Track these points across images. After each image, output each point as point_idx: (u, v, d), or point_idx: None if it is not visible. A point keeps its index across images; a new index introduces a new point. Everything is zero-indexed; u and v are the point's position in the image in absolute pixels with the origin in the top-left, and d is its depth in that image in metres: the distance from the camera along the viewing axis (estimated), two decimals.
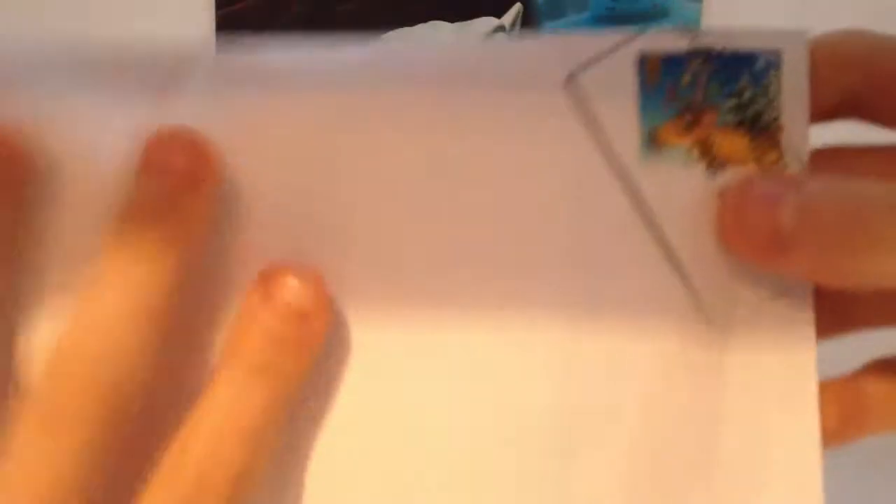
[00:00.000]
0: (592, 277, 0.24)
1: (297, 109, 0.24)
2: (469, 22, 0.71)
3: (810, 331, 0.24)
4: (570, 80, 0.24)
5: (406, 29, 0.70)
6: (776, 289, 0.24)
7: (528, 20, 0.72)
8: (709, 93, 0.24)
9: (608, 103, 0.24)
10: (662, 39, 0.24)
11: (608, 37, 0.25)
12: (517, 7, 0.71)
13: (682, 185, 0.24)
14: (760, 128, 0.24)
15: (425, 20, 0.70)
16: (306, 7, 0.68)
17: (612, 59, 0.24)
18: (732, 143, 0.24)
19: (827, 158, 0.26)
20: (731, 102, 0.24)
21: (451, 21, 0.71)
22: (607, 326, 0.24)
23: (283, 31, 0.68)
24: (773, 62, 0.24)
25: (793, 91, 0.24)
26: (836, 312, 0.26)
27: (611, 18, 0.73)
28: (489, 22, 0.71)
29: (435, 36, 0.70)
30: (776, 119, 0.24)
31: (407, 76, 0.24)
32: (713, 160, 0.24)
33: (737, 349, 0.25)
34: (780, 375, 0.24)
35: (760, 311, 0.25)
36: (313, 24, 0.69)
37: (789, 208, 0.23)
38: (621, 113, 0.24)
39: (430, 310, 0.24)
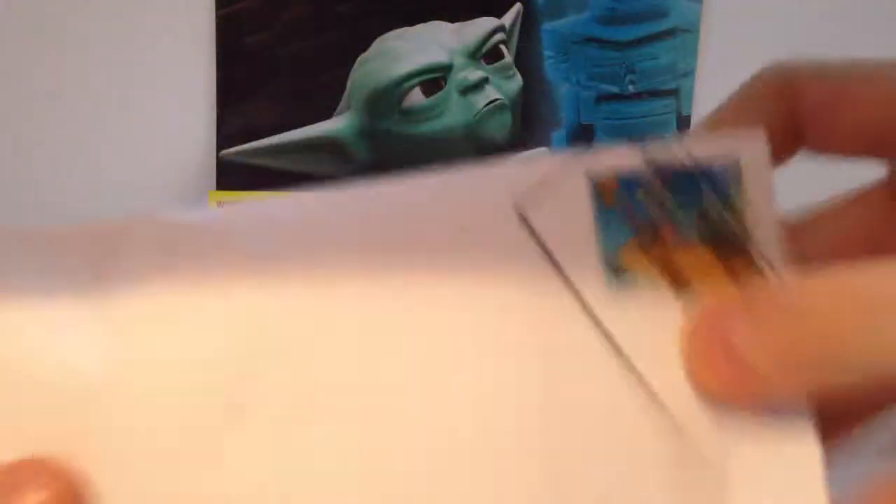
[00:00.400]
0: (566, 429, 0.22)
1: (227, 284, 0.22)
2: (469, 22, 0.71)
3: (815, 457, 0.22)
4: (521, 212, 0.23)
5: (406, 29, 0.70)
6: (771, 418, 0.22)
7: (528, 20, 0.72)
8: (668, 210, 0.23)
9: (564, 234, 0.23)
10: (613, 157, 0.23)
11: (554, 159, 0.23)
12: (517, 7, 0.72)
13: (652, 316, 0.23)
14: (726, 240, 0.23)
15: (425, 20, 0.70)
16: (306, 7, 0.68)
17: (564, 184, 0.23)
18: (696, 259, 0.23)
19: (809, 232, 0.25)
20: (692, 216, 0.23)
21: (451, 21, 0.71)
22: (587, 484, 0.22)
23: (282, 32, 0.68)
24: (732, 173, 0.23)
25: (758, 198, 0.23)
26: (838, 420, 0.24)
27: (611, 19, 0.73)
28: (489, 22, 0.71)
29: (435, 36, 0.70)
30: (744, 232, 0.23)
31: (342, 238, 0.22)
32: (677, 279, 0.23)
33: (737, 488, 0.22)
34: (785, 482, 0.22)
35: (754, 439, 0.22)
36: (313, 25, 0.69)
37: (740, 328, 0.21)
38: (579, 243, 0.23)
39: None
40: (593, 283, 0.23)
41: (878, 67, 0.23)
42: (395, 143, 0.71)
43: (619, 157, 0.23)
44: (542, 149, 0.74)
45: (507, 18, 0.72)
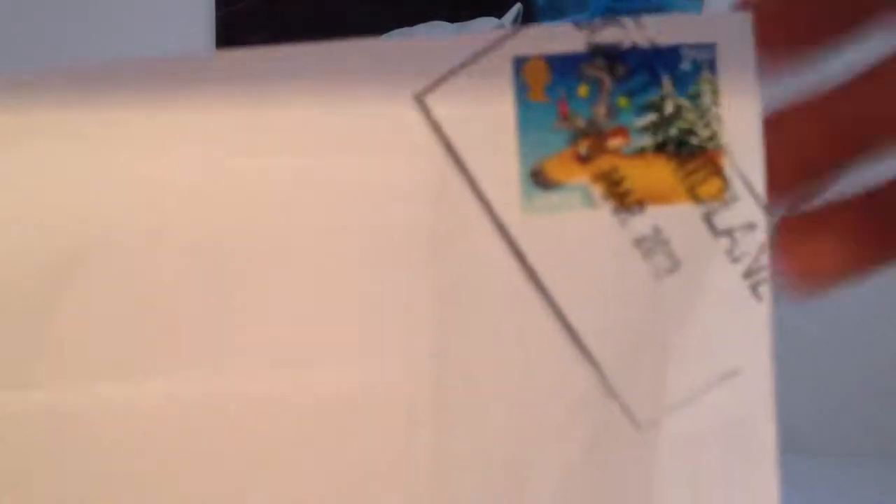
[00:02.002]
0: (466, 356, 0.19)
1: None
2: (469, 22, 0.71)
3: (771, 425, 0.19)
4: (421, 98, 0.18)
5: (406, 29, 0.70)
6: (722, 372, 0.19)
7: (528, 20, 0.72)
8: (615, 107, 0.18)
9: (473, 129, 0.18)
10: (549, 36, 0.18)
11: (474, 38, 0.18)
12: (517, 7, 0.71)
13: (580, 238, 0.18)
14: (691, 150, 0.18)
15: (425, 20, 0.70)
16: (306, 7, 0.68)
17: (479, 66, 0.18)
18: (651, 174, 0.18)
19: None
20: (648, 119, 0.18)
21: (452, 21, 0.71)
22: (485, 426, 0.19)
23: (282, 32, 0.68)
24: (704, 59, 0.18)
25: (735, 97, 0.18)
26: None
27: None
28: (489, 22, 0.71)
29: (434, 35, 0.70)
30: (713, 137, 0.18)
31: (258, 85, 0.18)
32: (624, 199, 0.18)
33: (669, 434, 0.19)
34: (729, 454, 0.19)
35: (701, 401, 0.19)
36: (314, 25, 0.69)
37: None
38: (493, 142, 0.18)
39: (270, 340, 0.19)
40: (509, 196, 0.18)
41: None
42: None
43: (557, 36, 0.18)
44: None
45: (508, 18, 0.72)
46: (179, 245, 0.18)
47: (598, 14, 0.72)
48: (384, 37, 0.64)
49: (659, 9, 0.73)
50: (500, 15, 0.71)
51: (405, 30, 0.70)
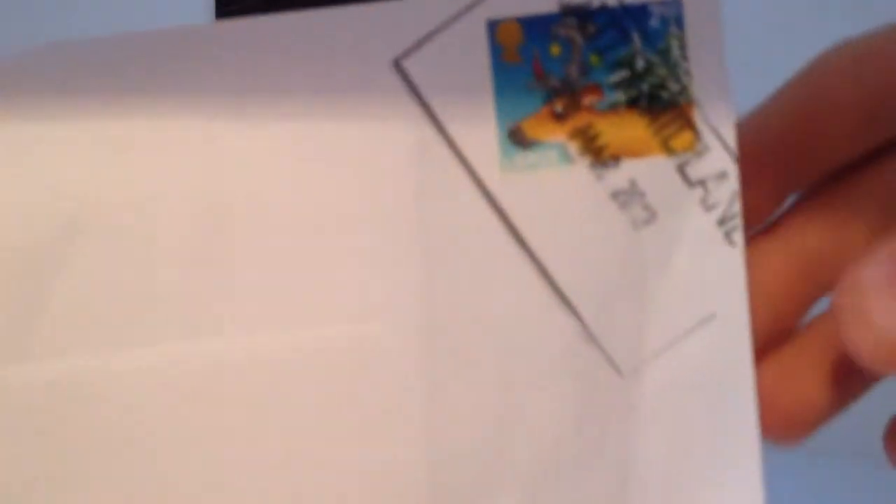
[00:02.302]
0: (452, 312, 0.19)
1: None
2: None
3: (748, 368, 0.19)
4: (398, 62, 0.18)
5: None
6: (698, 318, 0.19)
7: None
8: (588, 65, 0.19)
9: (451, 92, 0.18)
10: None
11: (445, 2, 0.18)
12: None
13: (559, 193, 0.19)
14: (663, 104, 0.19)
15: None
16: (306, 7, 0.68)
17: (453, 30, 0.18)
18: (625, 128, 0.19)
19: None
20: (619, 75, 0.19)
21: None
22: (479, 377, 0.19)
23: None
24: (671, 15, 0.19)
25: (702, 51, 0.19)
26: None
27: None
28: None
29: None
30: (683, 90, 0.19)
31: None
32: (600, 154, 0.19)
33: (650, 379, 0.20)
34: (709, 395, 0.20)
35: (679, 347, 0.19)
36: None
37: None
38: (470, 103, 0.18)
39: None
40: (488, 155, 0.19)
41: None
42: None
43: (527, 0, 0.18)
44: None
45: None
46: (175, 211, 0.18)
47: None
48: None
49: None
50: None
51: None
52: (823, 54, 0.20)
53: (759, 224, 0.21)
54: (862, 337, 0.18)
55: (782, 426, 0.20)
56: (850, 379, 0.20)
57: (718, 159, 0.19)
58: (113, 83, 0.18)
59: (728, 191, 0.19)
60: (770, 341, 0.20)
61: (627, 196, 0.19)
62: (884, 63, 0.20)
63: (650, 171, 0.19)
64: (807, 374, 0.20)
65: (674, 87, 0.19)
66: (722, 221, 0.19)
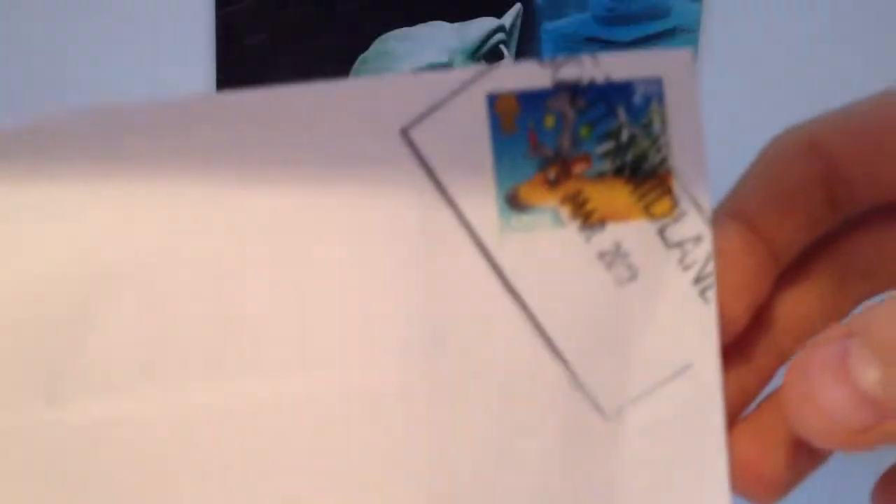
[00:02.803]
0: (451, 363, 0.21)
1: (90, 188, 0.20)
2: (469, 22, 0.71)
3: (719, 412, 0.21)
4: (405, 133, 0.20)
5: (406, 29, 0.70)
6: (675, 368, 0.21)
7: (528, 20, 0.72)
8: (578, 136, 0.20)
9: (454, 160, 0.20)
10: (518, 74, 0.20)
11: (449, 75, 0.20)
12: (517, 7, 0.72)
13: (551, 253, 0.20)
14: (645, 174, 0.20)
15: (425, 20, 0.70)
16: (306, 7, 0.68)
17: (456, 103, 0.20)
18: (611, 195, 0.20)
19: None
20: (606, 146, 0.20)
21: (451, 21, 0.71)
22: (475, 418, 0.21)
23: (282, 32, 0.68)
24: (653, 92, 0.20)
25: (681, 125, 0.20)
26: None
27: (611, 19, 0.73)
28: (489, 22, 0.71)
29: (435, 36, 0.70)
30: (663, 161, 0.20)
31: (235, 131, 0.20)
32: (588, 218, 0.20)
33: (631, 423, 0.21)
34: (684, 439, 0.21)
35: (657, 393, 0.21)
36: (313, 25, 0.69)
37: (863, 366, 0.18)
38: (472, 171, 0.20)
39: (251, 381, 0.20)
40: (487, 218, 0.20)
41: (888, 104, 0.21)
42: None
43: (524, 75, 0.20)
44: None
45: (507, 19, 0.72)
46: (195, 268, 0.20)
47: (598, 14, 0.72)
48: (384, 37, 0.64)
49: (659, 9, 0.73)
50: (499, 15, 0.71)
51: (405, 30, 0.70)
52: (775, 140, 0.22)
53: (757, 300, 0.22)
54: (809, 419, 0.19)
55: (757, 489, 0.21)
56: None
57: (695, 224, 0.21)
58: (134, 148, 0.20)
59: (703, 252, 0.21)
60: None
61: (612, 256, 0.21)
62: (828, 149, 0.21)
63: (633, 234, 0.21)
64: (781, 438, 0.21)
65: (655, 157, 0.21)
66: (697, 280, 0.21)
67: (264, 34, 0.68)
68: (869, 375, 0.18)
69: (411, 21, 0.70)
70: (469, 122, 0.20)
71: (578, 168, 0.20)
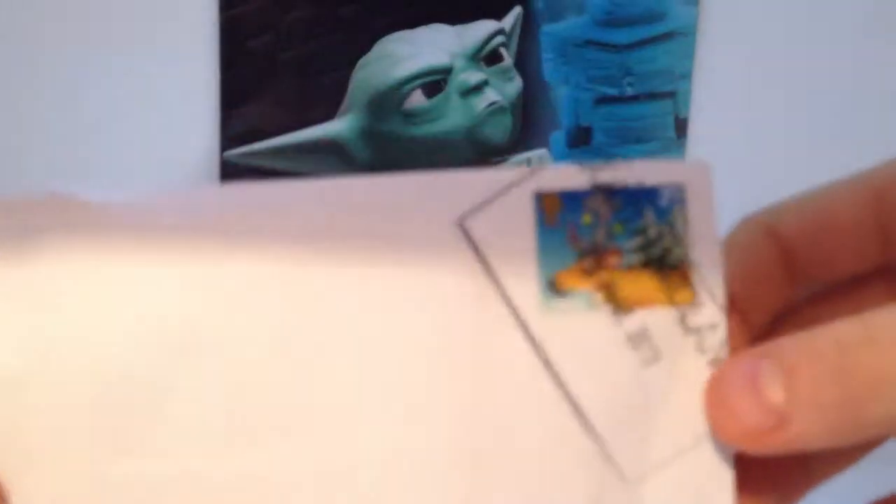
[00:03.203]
0: (493, 433, 0.23)
1: (162, 265, 0.22)
2: (469, 25, 0.71)
3: (728, 481, 0.23)
4: (462, 223, 0.23)
5: (407, 32, 0.70)
6: (691, 440, 0.23)
7: (528, 23, 0.72)
8: (612, 232, 0.23)
9: (504, 248, 0.23)
10: (560, 175, 0.23)
11: (501, 174, 0.23)
12: (517, 10, 0.72)
13: (585, 334, 0.23)
14: (669, 266, 0.23)
15: (426, 23, 0.70)
16: (308, 10, 0.68)
17: (507, 198, 0.23)
18: (639, 284, 0.23)
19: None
20: (636, 242, 0.23)
21: (452, 24, 0.71)
22: (511, 485, 0.23)
23: (285, 34, 0.68)
24: (676, 197, 0.23)
25: (700, 225, 0.23)
26: (795, 474, 0.25)
27: (609, 22, 0.73)
28: (489, 25, 0.71)
29: (435, 39, 0.71)
30: (685, 256, 0.23)
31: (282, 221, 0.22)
32: (619, 304, 0.23)
33: (651, 490, 0.23)
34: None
35: (675, 463, 0.23)
36: (315, 28, 0.69)
37: (771, 381, 0.21)
38: (518, 259, 0.23)
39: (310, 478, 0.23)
40: (530, 300, 0.23)
41: (831, 192, 0.25)
42: (396, 145, 0.72)
43: (566, 176, 0.23)
44: (542, 150, 0.75)
45: (507, 21, 0.72)
46: (253, 341, 0.22)
47: (596, 17, 0.72)
48: (385, 39, 0.64)
49: (656, 12, 0.73)
50: (499, 18, 0.72)
51: (406, 32, 0.70)
52: (738, 227, 0.26)
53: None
54: (724, 422, 0.22)
55: None
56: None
57: (710, 313, 0.24)
58: (203, 234, 0.22)
59: (718, 339, 0.24)
60: None
61: (639, 339, 0.23)
62: (783, 235, 0.25)
63: (657, 319, 0.23)
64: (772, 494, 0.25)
65: (677, 252, 0.23)
66: (713, 363, 0.24)
67: (267, 37, 0.68)
68: (775, 391, 0.21)
69: (412, 24, 0.70)
70: (518, 216, 0.23)
71: (611, 260, 0.23)
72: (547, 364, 0.23)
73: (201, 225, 0.22)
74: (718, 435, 0.23)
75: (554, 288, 0.23)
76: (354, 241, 0.23)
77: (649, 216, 0.23)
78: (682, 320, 0.24)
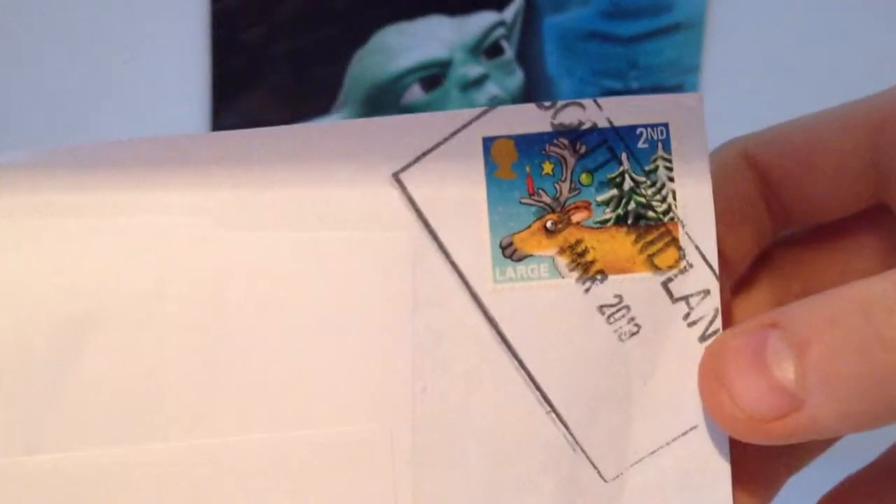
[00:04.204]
0: (444, 412, 0.20)
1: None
2: (469, 16, 0.71)
3: (725, 473, 0.20)
4: (398, 176, 0.19)
5: (405, 24, 0.70)
6: (679, 427, 0.20)
7: (530, 14, 0.72)
8: (578, 183, 0.19)
9: (447, 205, 0.19)
10: (515, 116, 0.19)
11: (448, 116, 0.19)
12: (519, 1, 0.71)
13: (548, 306, 0.19)
14: (648, 223, 0.19)
15: (424, 15, 0.70)
16: (302, 1, 0.68)
17: (451, 145, 0.19)
18: (612, 245, 0.20)
19: None
20: (608, 194, 0.19)
21: (451, 16, 0.70)
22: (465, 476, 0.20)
23: (278, 26, 0.68)
24: (658, 138, 0.20)
25: (688, 173, 0.19)
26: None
27: (614, 13, 0.72)
28: (490, 17, 0.71)
29: (434, 31, 0.70)
30: (668, 211, 0.20)
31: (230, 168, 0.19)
32: (588, 269, 0.19)
33: (633, 483, 0.20)
34: (689, 498, 0.20)
35: (661, 455, 0.20)
36: (310, 19, 0.68)
37: (781, 356, 0.18)
38: (465, 217, 0.19)
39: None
40: (480, 266, 0.19)
41: (821, 122, 0.21)
42: None
43: (522, 117, 0.19)
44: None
45: (509, 13, 0.71)
46: (179, 310, 0.19)
47: (602, 8, 0.71)
48: (383, 31, 0.63)
49: (663, 3, 0.73)
50: (500, 9, 0.71)
51: (404, 24, 0.70)
52: (712, 154, 0.21)
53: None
54: (722, 405, 0.18)
55: None
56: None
57: (701, 277, 0.20)
58: (120, 183, 0.19)
59: (710, 308, 0.20)
60: None
61: (614, 310, 0.20)
62: (762, 165, 0.21)
63: (636, 286, 0.20)
64: (770, 483, 0.22)
65: (659, 206, 0.20)
66: (704, 338, 0.20)
67: (260, 28, 0.68)
68: (785, 368, 0.17)
69: (410, 16, 0.70)
70: (463, 167, 0.19)
71: (578, 216, 0.20)
72: (503, 341, 0.20)
73: (116, 180, 0.19)
74: (715, 421, 0.19)
75: (509, 252, 0.19)
76: (280, 199, 0.19)
77: (624, 163, 0.19)
78: (667, 286, 0.20)
